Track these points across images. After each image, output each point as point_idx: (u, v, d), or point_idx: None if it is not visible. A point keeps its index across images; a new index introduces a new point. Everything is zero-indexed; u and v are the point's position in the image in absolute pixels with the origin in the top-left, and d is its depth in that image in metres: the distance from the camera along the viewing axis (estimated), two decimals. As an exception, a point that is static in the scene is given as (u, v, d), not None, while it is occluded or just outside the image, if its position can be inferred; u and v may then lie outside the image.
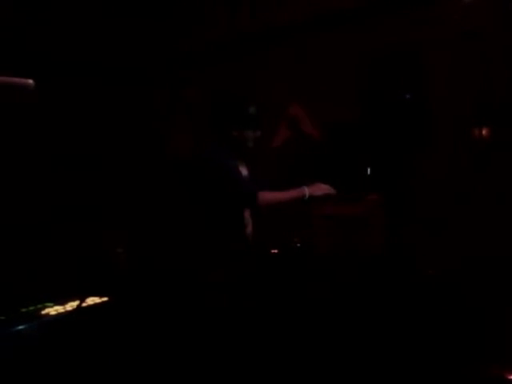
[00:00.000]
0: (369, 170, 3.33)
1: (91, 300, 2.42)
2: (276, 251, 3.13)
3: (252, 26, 3.99)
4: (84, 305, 2.33)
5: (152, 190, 4.30)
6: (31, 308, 2.29)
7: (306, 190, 2.37)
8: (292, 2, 3.82)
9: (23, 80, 1.73)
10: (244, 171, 2.44)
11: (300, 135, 3.69)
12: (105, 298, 2.46)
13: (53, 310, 2.26)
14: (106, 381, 2.25)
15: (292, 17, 3.80)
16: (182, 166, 3.86)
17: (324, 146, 3.53)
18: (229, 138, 2.38)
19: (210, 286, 2.28)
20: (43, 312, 2.26)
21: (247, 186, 2.33)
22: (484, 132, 3.14)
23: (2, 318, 2.11)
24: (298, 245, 3.20)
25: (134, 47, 4.45)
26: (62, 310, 2.27)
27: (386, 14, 3.45)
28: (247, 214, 2.43)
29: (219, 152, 2.36)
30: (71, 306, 2.32)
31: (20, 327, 2.05)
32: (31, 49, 3.74)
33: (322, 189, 2.43)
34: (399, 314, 2.69)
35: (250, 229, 2.44)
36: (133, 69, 4.51)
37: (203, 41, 4.25)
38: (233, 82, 3.94)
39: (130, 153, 4.42)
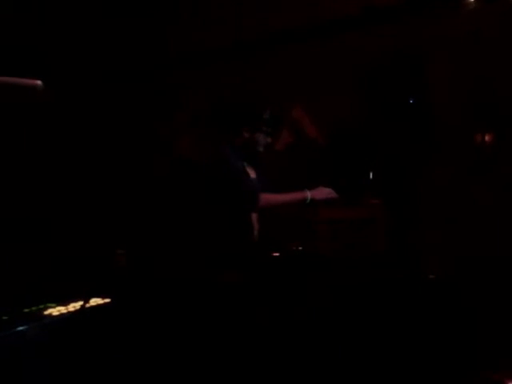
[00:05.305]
0: (371, 174, 3.33)
1: (94, 301, 2.42)
2: (277, 254, 3.13)
3: (256, 29, 4.01)
4: (87, 306, 2.34)
5: (155, 191, 4.31)
6: (34, 308, 2.29)
7: (308, 194, 2.39)
8: (297, 7, 3.85)
9: (31, 81, 1.73)
10: (252, 173, 2.45)
11: (303, 139, 3.70)
12: (107, 300, 2.46)
13: (55, 311, 2.27)
14: (109, 382, 2.25)
15: (297, 21, 3.83)
16: (187, 167, 3.87)
17: (327, 150, 3.54)
18: (239, 139, 2.39)
19: (217, 287, 2.27)
20: (46, 312, 2.26)
21: (250, 186, 2.34)
22: (487, 136, 3.15)
23: (5, 318, 2.11)
24: (300, 248, 3.20)
25: (137, 48, 4.47)
26: (65, 311, 2.28)
27: (389, 19, 3.47)
28: (254, 217, 2.43)
29: (227, 153, 2.36)
30: (74, 306, 2.32)
31: (22, 327, 2.05)
32: (36, 49, 3.75)
33: (324, 192, 2.45)
34: (401, 319, 2.69)
35: (256, 232, 2.45)
36: (136, 70, 4.53)
37: (207, 43, 4.26)
38: (235, 85, 3.95)
39: (133, 154, 4.43)
